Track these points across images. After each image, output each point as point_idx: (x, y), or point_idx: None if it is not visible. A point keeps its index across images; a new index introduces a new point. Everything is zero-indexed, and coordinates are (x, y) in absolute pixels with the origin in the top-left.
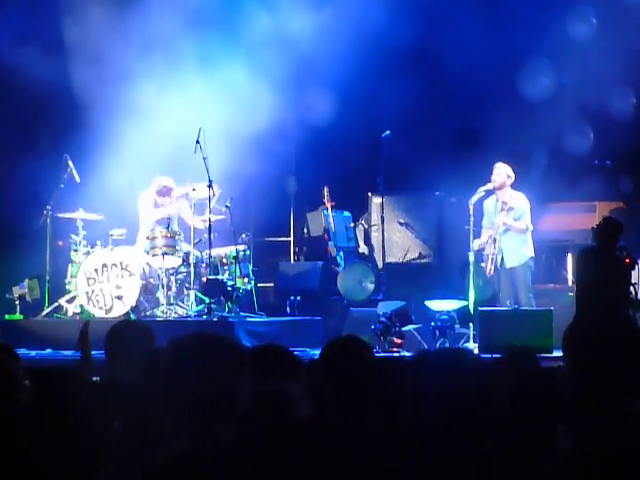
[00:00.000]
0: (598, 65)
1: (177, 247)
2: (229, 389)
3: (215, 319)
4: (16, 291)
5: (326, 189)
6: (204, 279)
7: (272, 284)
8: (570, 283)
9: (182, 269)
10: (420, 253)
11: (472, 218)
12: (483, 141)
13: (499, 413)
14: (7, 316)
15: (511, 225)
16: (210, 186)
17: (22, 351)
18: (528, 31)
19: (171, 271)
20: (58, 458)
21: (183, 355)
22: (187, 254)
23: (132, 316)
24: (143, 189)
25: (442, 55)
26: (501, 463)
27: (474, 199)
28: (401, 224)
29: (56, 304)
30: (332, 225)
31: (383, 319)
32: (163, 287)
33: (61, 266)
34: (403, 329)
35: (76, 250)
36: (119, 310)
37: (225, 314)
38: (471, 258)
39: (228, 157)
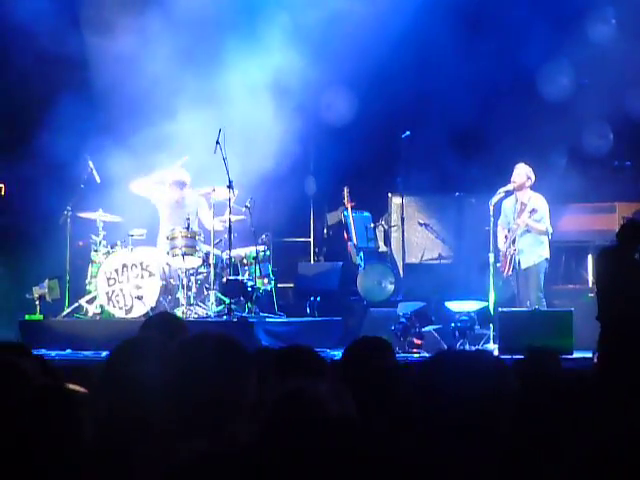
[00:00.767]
0: (617, 66)
1: (197, 247)
2: (233, 389)
3: (235, 319)
4: (36, 291)
5: (346, 189)
6: (224, 279)
7: (292, 284)
8: (590, 284)
9: (202, 269)
10: (440, 254)
11: (492, 219)
12: (503, 142)
13: (517, 414)
14: (27, 316)
15: (533, 226)
16: (230, 187)
17: (42, 351)
18: (548, 32)
19: (191, 271)
20: (64, 458)
21: (187, 355)
22: (207, 254)
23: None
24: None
25: (462, 54)
26: (521, 465)
27: (494, 200)
28: (421, 225)
29: (76, 304)
30: (352, 225)
31: (403, 320)
32: (183, 287)
33: (81, 266)
34: (423, 330)
35: (96, 250)
36: (139, 310)
37: (245, 314)
38: (491, 259)
39: (247, 157)
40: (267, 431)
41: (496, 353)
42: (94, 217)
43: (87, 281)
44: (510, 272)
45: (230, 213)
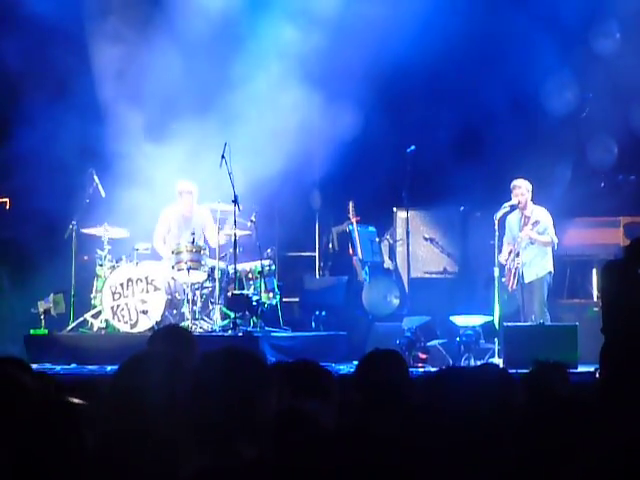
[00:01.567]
0: (622, 80)
1: (202, 262)
2: (255, 404)
3: (240, 334)
4: (41, 305)
5: (351, 204)
6: (229, 294)
7: (297, 299)
8: (595, 298)
9: (207, 284)
10: (445, 268)
11: (497, 233)
12: (508, 156)
13: (523, 427)
14: (32, 331)
15: (536, 239)
16: (235, 201)
17: (47, 366)
18: (553, 45)
19: (196, 286)
20: (65, 471)
21: (211, 369)
22: (212, 269)
23: None
24: (168, 203)
25: (467, 69)
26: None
27: (499, 214)
28: (426, 239)
29: (81, 319)
30: (357, 240)
31: (408, 334)
32: (188, 302)
33: (86, 280)
34: (428, 344)
35: (101, 265)
36: (144, 325)
37: (250, 329)
38: (496, 273)
39: (253, 172)
40: (267, 448)
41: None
42: (99, 232)
43: (92, 295)
44: (515, 286)
45: (235, 227)
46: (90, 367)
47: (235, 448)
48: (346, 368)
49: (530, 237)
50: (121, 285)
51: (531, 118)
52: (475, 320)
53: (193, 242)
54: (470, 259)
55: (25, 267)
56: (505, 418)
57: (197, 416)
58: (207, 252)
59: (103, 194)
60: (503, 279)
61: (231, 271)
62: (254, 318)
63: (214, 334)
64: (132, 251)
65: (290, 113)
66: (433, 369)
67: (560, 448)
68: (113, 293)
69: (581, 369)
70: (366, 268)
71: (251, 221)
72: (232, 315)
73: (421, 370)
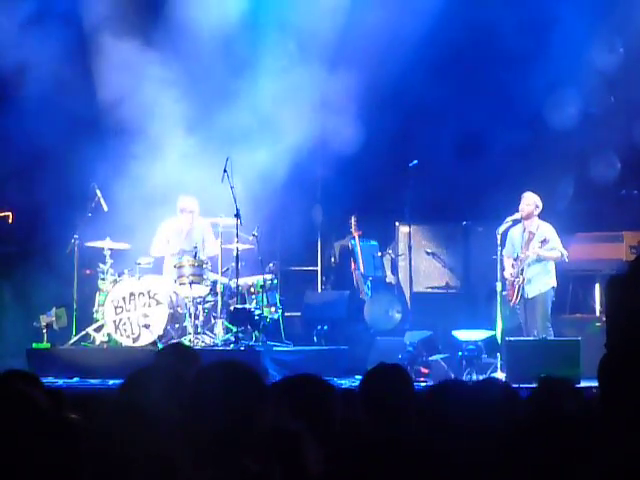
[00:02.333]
0: (625, 95)
1: (204, 276)
2: (252, 418)
3: (242, 348)
4: (44, 319)
5: (353, 218)
6: (231, 308)
7: (299, 313)
8: (598, 313)
9: (209, 298)
10: (447, 282)
11: (499, 248)
12: (511, 171)
13: (527, 441)
14: (34, 344)
15: (546, 256)
16: (237, 216)
17: (49, 379)
18: (555, 61)
19: (198, 300)
20: None
21: (207, 383)
22: (214, 283)
23: (159, 345)
24: (169, 216)
25: (469, 84)
26: None
27: (501, 229)
28: (428, 253)
29: (83, 333)
30: (359, 254)
31: (410, 348)
32: (190, 316)
33: (89, 295)
34: (430, 359)
35: (103, 279)
36: (146, 339)
37: (252, 343)
38: (498, 288)
39: (254, 186)
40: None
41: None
42: (102, 245)
43: (94, 309)
44: (517, 301)
45: (237, 241)
46: (92, 381)
47: (241, 462)
48: (348, 383)
49: (539, 255)
50: (123, 299)
51: (534, 133)
52: (477, 335)
53: (195, 256)
54: (472, 274)
55: (27, 281)
56: (509, 431)
57: (195, 430)
58: (209, 266)
59: (105, 208)
60: (504, 292)
61: (233, 285)
62: (256, 332)
63: (216, 348)
64: (134, 265)
65: (292, 127)
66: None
67: (563, 462)
68: (115, 307)
69: (584, 384)
70: (368, 282)
71: (253, 235)
72: (234, 329)
73: (423, 385)
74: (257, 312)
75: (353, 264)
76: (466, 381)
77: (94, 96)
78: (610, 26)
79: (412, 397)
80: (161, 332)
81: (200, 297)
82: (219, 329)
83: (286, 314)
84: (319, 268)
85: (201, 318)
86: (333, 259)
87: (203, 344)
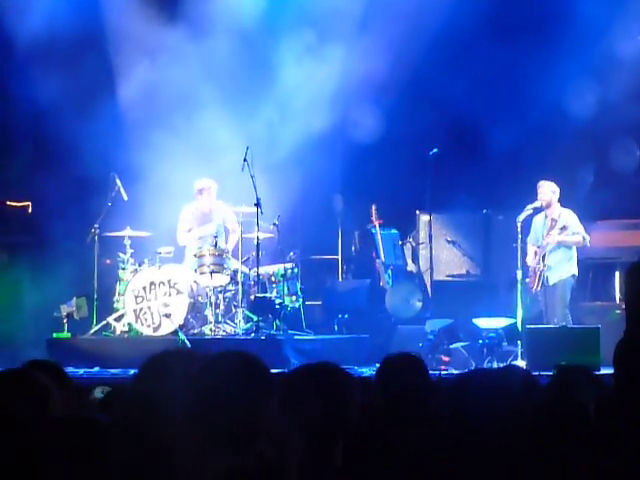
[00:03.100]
0: None
1: (225, 265)
2: (251, 409)
3: (263, 337)
4: (64, 309)
5: (374, 207)
6: (252, 297)
7: (320, 302)
8: (617, 301)
9: (230, 287)
10: (468, 271)
11: (520, 236)
12: (530, 159)
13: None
14: (55, 334)
15: (567, 241)
16: (257, 204)
17: (70, 369)
18: (574, 49)
19: (219, 289)
20: None
21: (213, 373)
22: (235, 272)
23: (180, 334)
24: (187, 202)
25: (489, 73)
26: None
27: (522, 217)
28: (449, 242)
29: (104, 322)
30: (380, 243)
31: (431, 337)
32: (211, 305)
33: (109, 284)
34: (451, 347)
35: (124, 268)
36: (167, 328)
37: (273, 332)
38: (519, 276)
39: (275, 175)
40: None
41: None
42: (122, 235)
43: (115, 299)
44: (539, 288)
45: (258, 230)
46: (113, 371)
47: (255, 450)
48: (369, 371)
49: (559, 242)
50: (144, 288)
51: (554, 121)
52: (498, 323)
53: (215, 245)
54: (493, 262)
55: (47, 271)
56: (530, 420)
57: (203, 422)
58: (230, 255)
59: (125, 197)
60: (527, 280)
61: (254, 274)
62: (277, 321)
63: (237, 337)
64: (154, 254)
65: (312, 117)
66: (456, 372)
67: (578, 451)
68: (136, 297)
69: (603, 371)
70: (389, 271)
71: (274, 224)
72: (255, 318)
73: (444, 373)
74: (278, 301)
75: (374, 253)
76: (488, 369)
77: (113, 86)
78: (628, 12)
79: (428, 385)
80: (182, 321)
81: (221, 286)
82: (240, 318)
83: (307, 303)
84: (340, 257)
85: (222, 307)
86: (354, 248)
87: (224, 333)
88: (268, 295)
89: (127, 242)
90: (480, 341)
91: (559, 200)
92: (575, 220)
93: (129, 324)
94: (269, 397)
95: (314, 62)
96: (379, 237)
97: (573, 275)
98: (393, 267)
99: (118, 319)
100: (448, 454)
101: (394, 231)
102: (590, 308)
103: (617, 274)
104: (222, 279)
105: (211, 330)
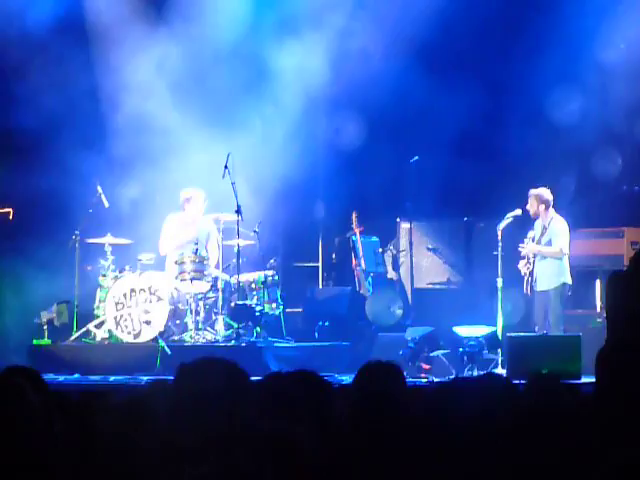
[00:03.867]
0: (626, 90)
1: (205, 272)
2: (233, 415)
3: (243, 344)
4: (44, 316)
5: (354, 214)
6: (232, 304)
7: (300, 309)
8: (598, 309)
9: (210, 294)
10: (448, 278)
11: (500, 244)
12: (512, 167)
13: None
14: (35, 341)
15: (540, 251)
16: (238, 211)
17: (50, 376)
18: (556, 57)
19: (199, 296)
20: None
21: (189, 380)
22: (215, 279)
23: (160, 342)
24: (172, 211)
25: (471, 79)
26: None
27: (502, 225)
28: (429, 249)
29: (84, 329)
30: (360, 250)
31: (411, 344)
32: (191, 312)
33: (89, 291)
34: (431, 354)
35: (104, 275)
36: (147, 335)
37: (253, 339)
38: (499, 284)
39: (256, 182)
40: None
41: None
42: (103, 241)
43: (95, 305)
44: (529, 292)
45: (238, 237)
46: (93, 377)
47: (231, 459)
48: (349, 379)
49: (534, 251)
50: (124, 295)
51: (535, 129)
52: (478, 331)
53: (196, 252)
54: (473, 270)
55: (28, 277)
56: (509, 427)
57: (183, 427)
58: (210, 262)
59: (106, 204)
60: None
61: (234, 281)
62: (257, 328)
63: (217, 344)
64: (135, 261)
65: (294, 124)
66: (436, 379)
67: (560, 457)
68: (116, 303)
69: (584, 380)
70: (369, 279)
71: (254, 231)
72: (235, 325)
73: (424, 381)
74: (258, 308)
75: (354, 260)
76: (468, 378)
77: (97, 91)
78: (612, 21)
79: (403, 394)
80: (162, 328)
81: (201, 293)
82: (220, 325)
83: (287, 310)
84: (320, 264)
85: (202, 314)
86: (334, 255)
87: (204, 340)
88: (249, 302)
89: (108, 249)
90: (461, 349)
91: (553, 206)
92: (561, 230)
93: (109, 331)
94: (247, 405)
95: (297, 70)
96: (360, 244)
97: (564, 283)
98: (374, 274)
99: (98, 326)
100: (422, 461)
101: (375, 238)
102: (571, 316)
103: (598, 282)
104: (203, 286)
105: (191, 337)
